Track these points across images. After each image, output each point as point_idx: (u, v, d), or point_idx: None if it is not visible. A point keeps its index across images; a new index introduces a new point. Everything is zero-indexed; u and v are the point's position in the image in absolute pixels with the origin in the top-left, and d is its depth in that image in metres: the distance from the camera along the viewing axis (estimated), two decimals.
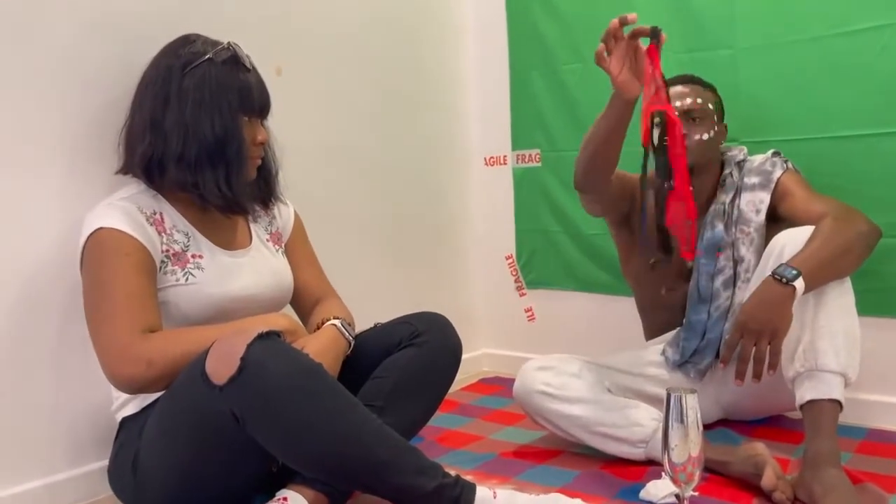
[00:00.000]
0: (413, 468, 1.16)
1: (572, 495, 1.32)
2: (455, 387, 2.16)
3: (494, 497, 1.17)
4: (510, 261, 2.46)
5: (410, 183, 2.31)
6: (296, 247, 1.60)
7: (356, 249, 2.11)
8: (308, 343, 1.34)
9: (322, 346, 1.35)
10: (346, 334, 1.42)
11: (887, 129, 1.72)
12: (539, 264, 2.39)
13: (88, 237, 1.30)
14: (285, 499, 1.25)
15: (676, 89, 1.66)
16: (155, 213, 1.36)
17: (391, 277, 2.21)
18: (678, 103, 1.64)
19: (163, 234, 1.35)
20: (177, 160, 1.34)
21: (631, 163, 1.67)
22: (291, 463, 1.21)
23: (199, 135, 1.33)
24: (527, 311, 2.44)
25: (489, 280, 2.52)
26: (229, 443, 1.19)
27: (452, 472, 1.20)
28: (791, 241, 1.46)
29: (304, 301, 1.57)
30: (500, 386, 2.27)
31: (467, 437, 1.81)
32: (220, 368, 1.13)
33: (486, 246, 2.52)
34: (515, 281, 2.46)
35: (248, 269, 1.44)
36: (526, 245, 2.41)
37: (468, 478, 1.49)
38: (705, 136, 1.66)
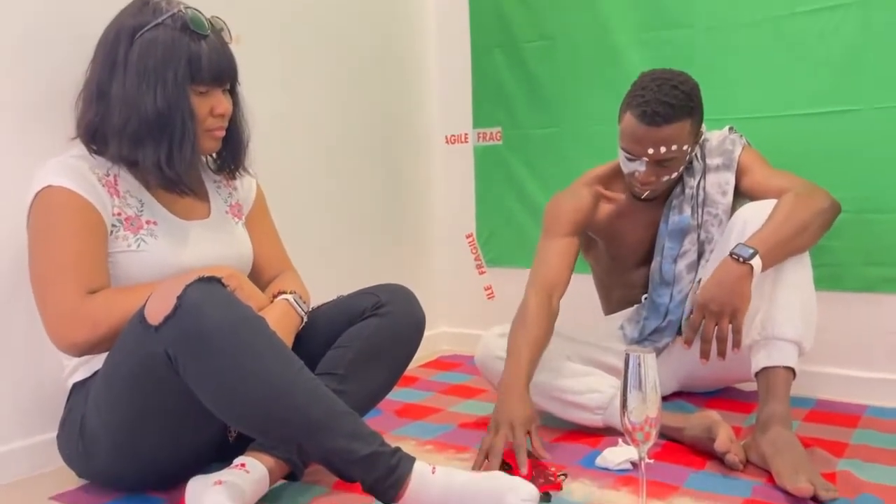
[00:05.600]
0: (347, 432, 1.12)
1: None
2: (414, 364, 2.15)
3: (433, 472, 1.14)
4: (470, 239, 2.46)
5: (370, 160, 2.29)
6: (256, 220, 1.56)
7: (315, 225, 2.09)
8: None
9: (272, 320, 1.28)
10: (299, 309, 1.39)
11: (841, 106, 1.76)
12: (499, 242, 2.40)
13: (36, 195, 1.26)
14: (243, 465, 1.22)
15: (650, 134, 1.51)
16: (108, 175, 1.32)
17: (350, 255, 2.20)
18: (650, 150, 1.53)
19: (115, 196, 1.31)
20: (118, 134, 1.28)
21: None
22: (220, 414, 1.15)
23: (140, 109, 1.26)
24: (486, 289, 2.44)
25: (449, 258, 2.51)
26: (169, 393, 1.15)
27: (396, 444, 1.17)
28: (752, 216, 1.48)
29: (262, 275, 1.53)
30: (459, 363, 2.28)
31: (426, 409, 1.81)
32: (157, 309, 1.10)
33: (447, 224, 2.51)
34: (475, 259, 2.46)
35: (205, 239, 1.40)
36: (486, 223, 2.41)
37: (426, 448, 1.51)
38: (674, 176, 1.61)
